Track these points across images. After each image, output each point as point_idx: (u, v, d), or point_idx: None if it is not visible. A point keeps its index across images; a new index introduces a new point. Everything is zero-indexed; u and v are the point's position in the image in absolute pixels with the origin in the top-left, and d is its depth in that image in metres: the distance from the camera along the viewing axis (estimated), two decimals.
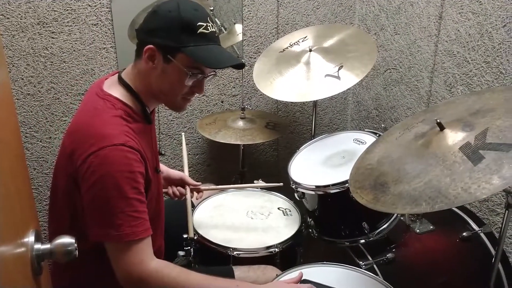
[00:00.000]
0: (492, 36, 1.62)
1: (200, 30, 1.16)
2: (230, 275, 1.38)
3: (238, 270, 1.40)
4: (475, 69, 1.70)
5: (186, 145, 2.21)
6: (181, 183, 1.63)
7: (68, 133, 1.21)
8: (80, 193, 1.12)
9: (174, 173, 1.64)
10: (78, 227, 1.14)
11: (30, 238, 0.77)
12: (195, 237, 1.42)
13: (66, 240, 0.80)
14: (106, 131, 1.12)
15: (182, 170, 1.68)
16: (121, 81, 1.23)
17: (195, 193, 1.65)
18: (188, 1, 1.20)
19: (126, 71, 1.26)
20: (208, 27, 1.18)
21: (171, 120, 2.16)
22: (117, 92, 1.21)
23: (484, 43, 1.65)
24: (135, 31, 1.23)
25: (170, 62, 1.18)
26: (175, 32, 1.16)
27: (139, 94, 1.23)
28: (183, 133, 1.82)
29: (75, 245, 0.80)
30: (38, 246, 0.77)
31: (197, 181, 1.66)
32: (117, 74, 1.26)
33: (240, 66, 1.29)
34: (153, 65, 1.19)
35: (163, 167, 1.61)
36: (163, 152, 1.41)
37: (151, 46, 1.16)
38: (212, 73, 1.25)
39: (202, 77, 1.22)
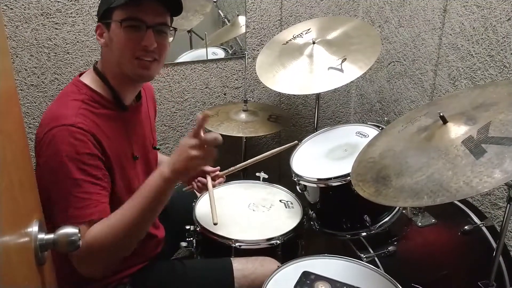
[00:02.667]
0: (496, 30, 1.61)
1: None
2: (228, 266, 1.39)
3: (236, 262, 1.41)
4: (479, 62, 1.70)
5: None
6: (201, 173, 1.54)
7: None
8: None
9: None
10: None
11: (34, 228, 0.77)
12: (215, 224, 1.33)
13: (70, 230, 0.80)
14: (59, 112, 1.13)
15: None
16: (94, 69, 1.25)
17: (217, 181, 1.57)
18: None
19: (99, 60, 1.28)
20: None
21: (174, 112, 2.17)
22: (88, 79, 1.23)
23: (488, 36, 1.64)
24: None
25: (109, 26, 1.17)
26: None
27: (109, 80, 1.23)
28: (199, 113, 1.73)
29: (79, 235, 0.81)
30: (41, 236, 0.78)
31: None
32: (94, 63, 1.28)
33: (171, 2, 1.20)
34: (104, 40, 1.19)
35: None
36: (157, 147, 1.38)
37: (98, 24, 1.20)
38: (157, 23, 1.18)
39: (145, 27, 1.16)
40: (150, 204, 1.12)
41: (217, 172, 1.55)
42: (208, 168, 1.54)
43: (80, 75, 1.27)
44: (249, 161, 1.59)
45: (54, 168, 1.08)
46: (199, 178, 1.58)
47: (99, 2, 1.23)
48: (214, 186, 1.52)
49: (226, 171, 1.57)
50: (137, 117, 1.36)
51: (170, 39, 1.27)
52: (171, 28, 1.25)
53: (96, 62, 1.27)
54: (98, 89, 1.22)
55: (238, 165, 1.59)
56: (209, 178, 1.52)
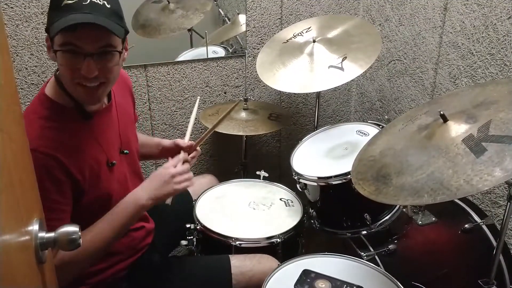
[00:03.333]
0: (497, 28, 1.61)
1: (65, 2, 1.04)
2: (226, 263, 1.39)
3: (234, 259, 1.41)
4: (480, 61, 1.69)
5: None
6: (178, 148, 1.49)
7: None
8: None
9: (167, 142, 1.56)
10: None
11: (34, 227, 0.77)
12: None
13: (70, 228, 0.80)
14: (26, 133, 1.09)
15: None
16: (56, 78, 1.18)
17: (191, 154, 1.49)
18: None
19: None
20: None
21: (174, 111, 2.17)
22: (51, 90, 1.18)
23: (488, 35, 1.64)
24: None
25: (52, 46, 1.09)
26: (49, 13, 1.08)
27: (70, 91, 1.16)
28: (198, 97, 1.70)
29: (79, 233, 0.81)
30: (42, 234, 0.78)
31: (200, 172, 1.66)
32: (55, 70, 1.21)
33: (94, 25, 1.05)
34: (52, 55, 1.11)
35: (155, 140, 1.60)
36: (125, 152, 1.33)
37: (47, 36, 1.11)
38: (98, 48, 1.08)
39: (82, 55, 1.07)
40: (122, 227, 1.20)
41: (191, 142, 1.50)
42: (182, 143, 1.49)
43: (48, 80, 1.22)
44: (212, 126, 1.50)
45: None
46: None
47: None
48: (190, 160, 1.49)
49: (197, 140, 1.50)
50: (107, 121, 1.29)
51: (121, 57, 1.16)
52: (116, 50, 1.12)
53: (57, 69, 1.18)
54: (60, 101, 1.16)
55: (206, 132, 1.51)
56: (183, 154, 1.44)
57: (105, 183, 1.23)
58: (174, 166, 1.28)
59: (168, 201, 1.32)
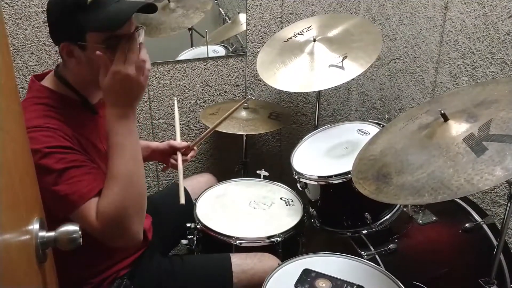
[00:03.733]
0: (497, 27, 1.60)
1: (89, 0, 1.08)
2: (227, 261, 1.39)
3: (235, 257, 1.41)
4: (480, 60, 1.69)
5: (189, 134, 2.22)
6: (173, 150, 1.54)
7: None
8: None
9: (161, 144, 1.58)
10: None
11: (35, 226, 0.77)
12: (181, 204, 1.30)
13: (70, 227, 0.80)
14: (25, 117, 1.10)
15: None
16: (57, 76, 1.19)
17: (189, 154, 1.55)
18: None
19: (61, 67, 1.22)
20: None
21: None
22: (50, 84, 1.19)
23: (489, 34, 1.64)
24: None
25: (86, 48, 1.11)
26: (70, 18, 1.09)
27: (77, 88, 1.19)
28: (175, 98, 1.71)
29: (79, 232, 0.81)
30: (42, 233, 0.78)
31: (200, 171, 1.66)
32: (55, 69, 1.22)
33: (148, 8, 1.15)
34: (75, 59, 1.14)
35: (151, 144, 1.59)
36: None
37: (63, 43, 1.12)
38: (138, 29, 1.15)
39: (125, 40, 1.11)
40: (124, 149, 1.11)
41: (187, 143, 1.53)
42: (178, 145, 1.51)
43: (36, 79, 1.21)
44: (211, 127, 1.55)
45: (38, 165, 1.03)
46: (173, 156, 1.56)
47: (54, 20, 1.15)
48: (186, 160, 1.52)
49: (195, 141, 1.54)
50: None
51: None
52: (140, 27, 1.18)
53: (57, 68, 1.21)
54: (65, 93, 1.19)
55: (204, 133, 1.55)
56: (179, 155, 1.49)
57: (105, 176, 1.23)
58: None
59: (182, 200, 1.30)
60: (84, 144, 1.18)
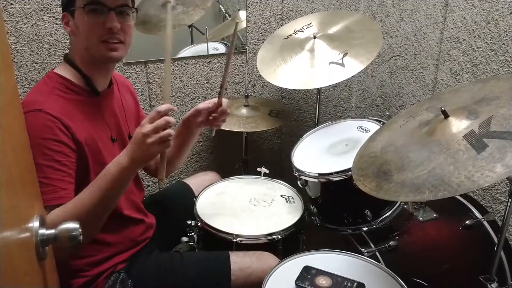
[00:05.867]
0: (498, 24, 1.60)
1: None
2: (226, 259, 1.39)
3: (234, 255, 1.41)
4: (481, 56, 1.69)
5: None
6: (205, 113, 1.48)
7: None
8: None
9: (189, 114, 1.51)
10: None
11: (35, 223, 0.77)
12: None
13: (70, 225, 0.80)
14: (31, 98, 1.18)
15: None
16: (66, 59, 1.28)
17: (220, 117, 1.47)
18: None
19: (69, 51, 1.32)
20: None
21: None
22: (61, 69, 1.27)
23: (490, 30, 1.64)
24: None
25: (73, 13, 1.22)
26: None
27: (80, 67, 1.26)
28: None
29: (80, 230, 0.81)
30: (42, 231, 0.78)
31: (201, 169, 1.66)
32: (64, 54, 1.32)
33: None
34: (70, 28, 1.24)
35: (182, 123, 1.54)
36: (115, 139, 1.34)
37: (63, 14, 1.24)
38: (118, 5, 1.22)
39: (106, 10, 1.20)
40: (109, 192, 1.13)
41: (214, 102, 1.45)
42: (205, 105, 1.46)
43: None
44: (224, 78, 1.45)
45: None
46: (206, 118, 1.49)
47: None
48: (218, 125, 1.49)
49: (219, 97, 1.45)
50: (110, 103, 1.38)
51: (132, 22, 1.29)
52: (133, 9, 1.28)
53: (67, 54, 1.31)
54: (71, 77, 1.25)
55: (223, 76, 1.45)
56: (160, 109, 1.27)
57: (107, 159, 1.23)
58: (150, 123, 1.13)
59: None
60: (86, 133, 1.21)
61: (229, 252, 1.43)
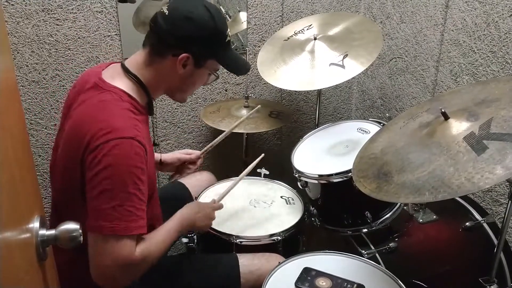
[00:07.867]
0: (498, 26, 1.60)
1: (228, 38, 1.26)
2: (235, 262, 1.39)
3: (242, 258, 1.41)
4: (481, 58, 1.69)
5: (190, 133, 2.22)
6: (187, 160, 1.66)
7: (74, 125, 1.17)
8: (82, 183, 1.11)
9: (169, 158, 1.64)
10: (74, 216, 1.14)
11: (35, 224, 0.77)
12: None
13: (71, 226, 0.80)
14: (115, 123, 1.10)
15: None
16: (127, 72, 1.22)
17: (198, 162, 1.69)
18: (214, 6, 1.24)
19: (131, 61, 1.24)
20: (229, 33, 1.26)
21: (175, 109, 2.16)
22: (123, 84, 1.20)
23: (490, 32, 1.64)
24: (156, 31, 1.21)
25: (200, 67, 1.26)
26: (210, 41, 1.22)
27: (148, 87, 1.23)
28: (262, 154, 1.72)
29: (80, 231, 0.81)
30: (43, 232, 0.78)
31: (202, 169, 1.67)
32: (119, 64, 1.25)
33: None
34: (183, 70, 1.23)
35: (160, 156, 1.61)
36: (157, 143, 1.42)
37: (187, 54, 1.20)
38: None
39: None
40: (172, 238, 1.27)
41: (196, 155, 1.68)
42: (188, 157, 1.66)
43: (97, 75, 1.22)
44: (220, 136, 1.69)
45: (109, 178, 1.06)
46: (188, 166, 1.68)
47: (184, 35, 1.20)
48: (195, 169, 1.69)
49: (203, 150, 1.68)
50: None
51: None
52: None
53: (124, 66, 1.23)
54: (134, 95, 1.21)
55: (211, 142, 1.69)
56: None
57: (152, 169, 1.28)
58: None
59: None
60: (148, 153, 1.19)
61: (237, 254, 1.43)
